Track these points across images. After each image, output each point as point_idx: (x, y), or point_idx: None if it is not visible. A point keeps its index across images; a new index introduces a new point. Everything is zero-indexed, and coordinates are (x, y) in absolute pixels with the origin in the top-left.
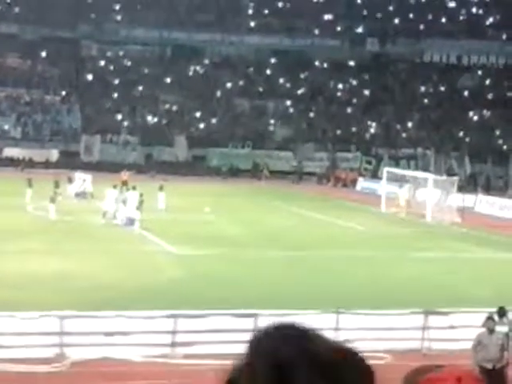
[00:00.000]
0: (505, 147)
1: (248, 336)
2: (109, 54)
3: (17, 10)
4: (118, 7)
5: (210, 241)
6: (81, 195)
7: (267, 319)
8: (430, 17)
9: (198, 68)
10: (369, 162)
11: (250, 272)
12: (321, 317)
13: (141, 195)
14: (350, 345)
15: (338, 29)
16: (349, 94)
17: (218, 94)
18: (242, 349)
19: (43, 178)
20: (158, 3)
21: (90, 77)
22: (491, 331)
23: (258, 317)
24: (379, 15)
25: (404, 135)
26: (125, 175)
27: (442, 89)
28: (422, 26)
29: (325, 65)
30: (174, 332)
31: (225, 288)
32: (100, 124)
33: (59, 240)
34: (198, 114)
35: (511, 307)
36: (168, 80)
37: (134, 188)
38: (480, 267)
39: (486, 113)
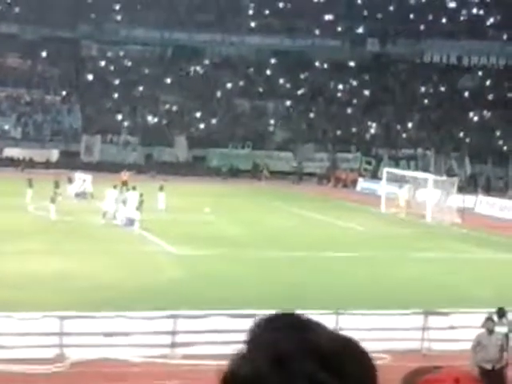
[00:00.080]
0: (505, 148)
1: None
2: (109, 54)
3: (17, 9)
4: (118, 7)
5: (209, 241)
6: (81, 195)
7: None
8: (430, 17)
9: (198, 68)
10: (369, 163)
11: (249, 272)
12: (320, 317)
13: (141, 195)
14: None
15: (339, 29)
16: (349, 94)
17: (219, 94)
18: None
19: (43, 178)
20: (158, 3)
21: (90, 77)
22: (491, 332)
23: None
24: (379, 16)
25: (404, 136)
26: (125, 175)
27: (443, 89)
28: (422, 27)
29: (325, 65)
30: (173, 332)
31: (225, 288)
32: (100, 124)
33: (59, 240)
34: (198, 115)
35: (511, 308)
36: (168, 80)
37: (134, 188)
38: (480, 268)
39: (487, 113)
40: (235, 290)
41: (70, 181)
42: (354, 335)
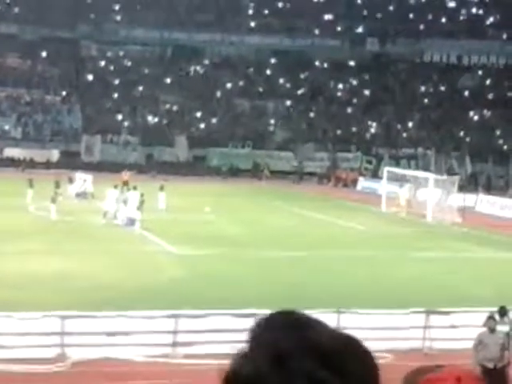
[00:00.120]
0: (505, 147)
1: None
2: (109, 54)
3: (16, 10)
4: (117, 7)
5: (210, 241)
6: (81, 195)
7: None
8: (430, 17)
9: (198, 68)
10: (369, 162)
11: (250, 272)
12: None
13: (141, 195)
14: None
15: (338, 29)
16: (349, 93)
17: (218, 94)
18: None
19: (44, 178)
20: (157, 3)
21: (90, 77)
22: (492, 331)
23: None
24: (379, 15)
25: (404, 135)
26: (126, 175)
27: (443, 89)
28: (422, 26)
29: (325, 65)
30: (174, 332)
31: (225, 288)
32: (100, 124)
33: (60, 240)
34: (198, 114)
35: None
36: (168, 80)
37: (134, 188)
38: (481, 267)
39: (487, 113)
40: (236, 290)
41: (71, 181)
42: (356, 334)
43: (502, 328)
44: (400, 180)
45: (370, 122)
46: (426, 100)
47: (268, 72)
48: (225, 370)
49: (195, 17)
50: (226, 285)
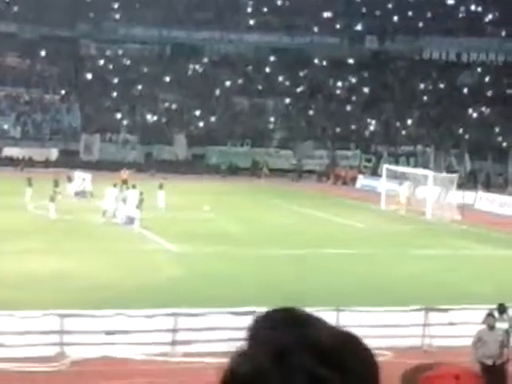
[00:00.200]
0: (504, 144)
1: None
2: (108, 52)
3: (15, 9)
4: (116, 6)
5: (209, 239)
6: (80, 194)
7: None
8: (428, 14)
9: (197, 66)
10: (368, 160)
11: (249, 270)
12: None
13: (141, 194)
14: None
15: (337, 26)
16: (348, 91)
17: (217, 92)
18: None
19: (43, 177)
20: (156, 2)
21: (89, 76)
22: (491, 328)
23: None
24: (378, 13)
25: (403, 132)
26: (125, 174)
27: (442, 86)
28: (421, 24)
29: (324, 62)
30: (174, 330)
31: (224, 286)
32: (99, 123)
33: (59, 239)
34: (197, 113)
35: (511, 304)
36: (167, 79)
37: (133, 187)
38: (480, 264)
39: (486, 110)
40: (235, 288)
41: (70, 180)
42: (355, 332)
43: (501, 325)
44: (399, 178)
45: (369, 120)
46: (425, 97)
47: (267, 70)
48: (224, 368)
49: (194, 15)
50: (225, 283)
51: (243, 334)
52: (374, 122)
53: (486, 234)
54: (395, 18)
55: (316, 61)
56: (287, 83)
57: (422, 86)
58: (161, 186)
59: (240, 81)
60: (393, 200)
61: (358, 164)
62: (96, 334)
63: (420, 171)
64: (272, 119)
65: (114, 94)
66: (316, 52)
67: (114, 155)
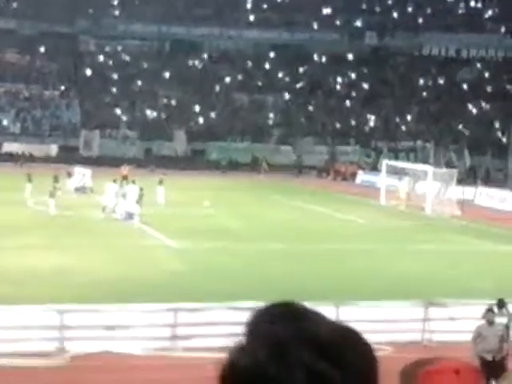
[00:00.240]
0: (504, 140)
1: None
2: (107, 48)
3: (15, 5)
4: (115, 2)
5: (209, 235)
6: (80, 190)
7: None
8: (428, 10)
9: (196, 62)
10: (368, 155)
11: (249, 265)
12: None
13: (141, 189)
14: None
15: (337, 22)
16: (348, 87)
17: (217, 88)
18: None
19: (43, 172)
20: None
21: (88, 72)
22: (491, 323)
23: None
24: (378, 9)
25: (403, 128)
26: (125, 170)
27: (441, 82)
28: (420, 20)
29: (323, 58)
30: (174, 325)
31: (224, 281)
32: (99, 119)
33: (59, 235)
34: (197, 109)
35: (511, 299)
36: (167, 75)
37: (133, 182)
38: (480, 260)
39: (486, 105)
40: (235, 283)
41: (70, 175)
42: (355, 327)
43: (501, 320)
44: (399, 173)
45: (368, 116)
46: (424, 93)
47: (267, 66)
48: (223, 362)
49: (193, 11)
50: (225, 278)
51: (243, 329)
52: (373, 117)
53: (486, 230)
54: (395, 14)
55: (316, 57)
56: (287, 79)
57: (421, 81)
58: (160, 182)
59: (240, 77)
60: (392, 195)
61: (357, 159)
62: (96, 329)
63: (420, 167)
64: (272, 115)
65: (114, 89)
66: (316, 48)
67: (113, 151)
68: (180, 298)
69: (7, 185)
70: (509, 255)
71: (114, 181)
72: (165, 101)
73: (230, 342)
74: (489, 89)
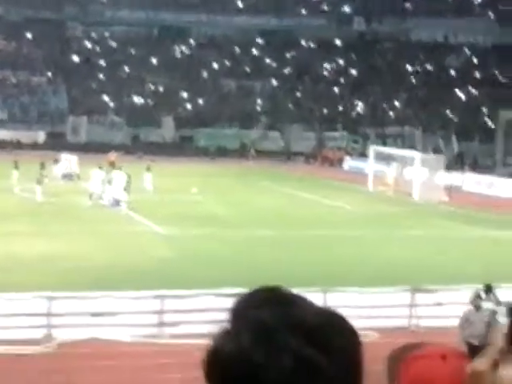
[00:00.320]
0: (492, 125)
1: None
2: (94, 35)
3: None
4: None
5: (197, 221)
6: (67, 177)
7: None
8: None
9: (184, 48)
10: (356, 141)
11: (237, 252)
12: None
13: (128, 176)
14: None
15: (325, 8)
16: (336, 73)
17: (205, 74)
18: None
19: (30, 159)
20: None
21: (75, 58)
22: (478, 308)
23: None
24: None
25: (391, 114)
26: (112, 156)
27: (429, 68)
28: (408, 5)
29: (311, 44)
30: (161, 312)
31: (212, 268)
32: (86, 105)
33: (46, 222)
34: (184, 95)
35: (498, 284)
36: (154, 61)
37: (120, 169)
38: (468, 245)
39: (473, 91)
40: (223, 270)
41: (56, 162)
42: (342, 313)
43: (488, 305)
44: (387, 159)
45: (356, 102)
46: (412, 79)
47: (254, 52)
48: (207, 348)
49: None
50: (213, 265)
51: (228, 315)
52: (361, 103)
53: (474, 216)
54: (383, 0)
55: (303, 42)
56: (274, 65)
57: (409, 67)
58: (148, 169)
59: (227, 63)
60: (380, 181)
61: (345, 145)
62: (83, 316)
63: (407, 152)
64: (259, 101)
65: (101, 76)
66: (303, 34)
67: (101, 137)
68: (167, 285)
69: None
70: (496, 241)
71: (100, 167)
72: (152, 87)
73: (217, 329)
74: (477, 74)
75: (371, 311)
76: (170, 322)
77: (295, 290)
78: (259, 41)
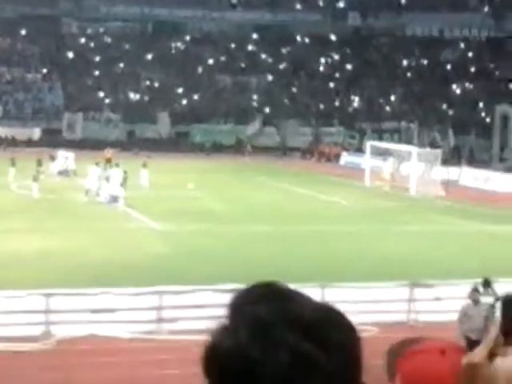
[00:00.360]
0: (488, 120)
1: None
2: (89, 31)
3: None
4: None
5: (194, 217)
6: (63, 173)
7: None
8: None
9: (179, 44)
10: (352, 137)
11: (234, 247)
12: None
13: (124, 172)
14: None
15: (320, 3)
16: (331, 68)
17: (200, 70)
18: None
19: (26, 156)
20: None
21: (70, 54)
22: (476, 302)
23: None
24: None
25: (387, 109)
26: (108, 153)
27: (425, 62)
28: (403, 0)
29: (306, 39)
30: (159, 308)
31: (209, 264)
32: (82, 101)
33: (42, 218)
34: (180, 91)
35: (496, 278)
36: (149, 56)
37: (116, 165)
38: (465, 240)
39: (469, 85)
40: (220, 265)
41: (53, 159)
42: (341, 308)
43: (487, 300)
44: (383, 154)
45: (352, 97)
46: (408, 74)
47: (250, 47)
48: (205, 343)
49: None
50: (210, 260)
51: (225, 310)
52: (357, 98)
53: (471, 210)
54: None
55: (298, 38)
56: (270, 60)
57: (405, 62)
58: (144, 165)
59: (223, 58)
60: (377, 176)
61: (341, 141)
62: (82, 313)
63: (404, 147)
64: (255, 97)
65: (96, 72)
66: (298, 29)
67: (96, 133)
68: (164, 281)
69: None
70: (494, 235)
71: (97, 164)
72: (147, 83)
73: (215, 324)
74: (472, 69)
75: (369, 306)
76: (169, 318)
77: (293, 286)
78: (254, 36)
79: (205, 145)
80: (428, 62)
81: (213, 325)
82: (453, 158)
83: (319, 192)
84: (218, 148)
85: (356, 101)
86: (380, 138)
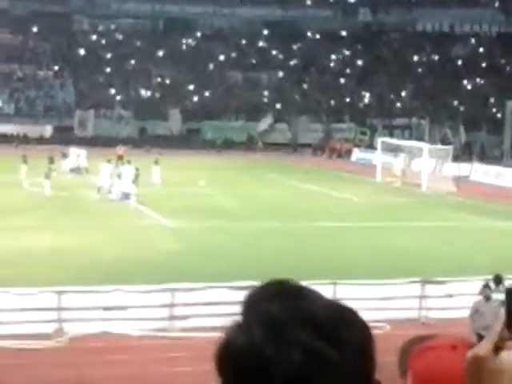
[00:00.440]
0: (499, 115)
1: None
2: (100, 28)
3: None
4: None
5: (206, 214)
6: (75, 170)
7: None
8: None
9: (190, 41)
10: (363, 133)
11: (245, 244)
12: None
13: (136, 169)
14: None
15: None
16: (342, 64)
17: (211, 66)
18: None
19: (38, 154)
20: None
21: (82, 51)
22: (488, 299)
23: None
24: None
25: (398, 105)
26: (120, 150)
27: (436, 58)
28: None
29: (317, 35)
30: (171, 305)
31: (221, 260)
32: (93, 99)
33: (54, 216)
34: (191, 87)
35: (508, 275)
36: (160, 53)
37: (128, 162)
38: (476, 236)
39: (480, 81)
40: (232, 262)
41: (65, 156)
42: (352, 305)
43: (498, 296)
44: (394, 150)
45: (363, 93)
46: (419, 69)
47: (260, 43)
48: (219, 341)
49: None
50: (221, 257)
51: (239, 308)
52: (368, 94)
53: (482, 206)
54: None
55: (309, 34)
56: (280, 56)
57: (415, 58)
58: (156, 162)
59: (233, 55)
60: (388, 173)
61: (352, 137)
62: (94, 310)
63: (415, 143)
64: (266, 93)
65: (108, 69)
66: (309, 25)
67: (108, 131)
68: (175, 278)
69: (2, 166)
70: (505, 231)
71: (109, 161)
72: (159, 80)
73: (228, 322)
74: (483, 64)
75: (382, 303)
76: (181, 315)
77: (305, 283)
78: (265, 32)
79: (216, 141)
80: (439, 57)
81: (225, 322)
82: (464, 154)
83: (330, 188)
84: (229, 145)
85: (367, 97)
86: (391, 135)
